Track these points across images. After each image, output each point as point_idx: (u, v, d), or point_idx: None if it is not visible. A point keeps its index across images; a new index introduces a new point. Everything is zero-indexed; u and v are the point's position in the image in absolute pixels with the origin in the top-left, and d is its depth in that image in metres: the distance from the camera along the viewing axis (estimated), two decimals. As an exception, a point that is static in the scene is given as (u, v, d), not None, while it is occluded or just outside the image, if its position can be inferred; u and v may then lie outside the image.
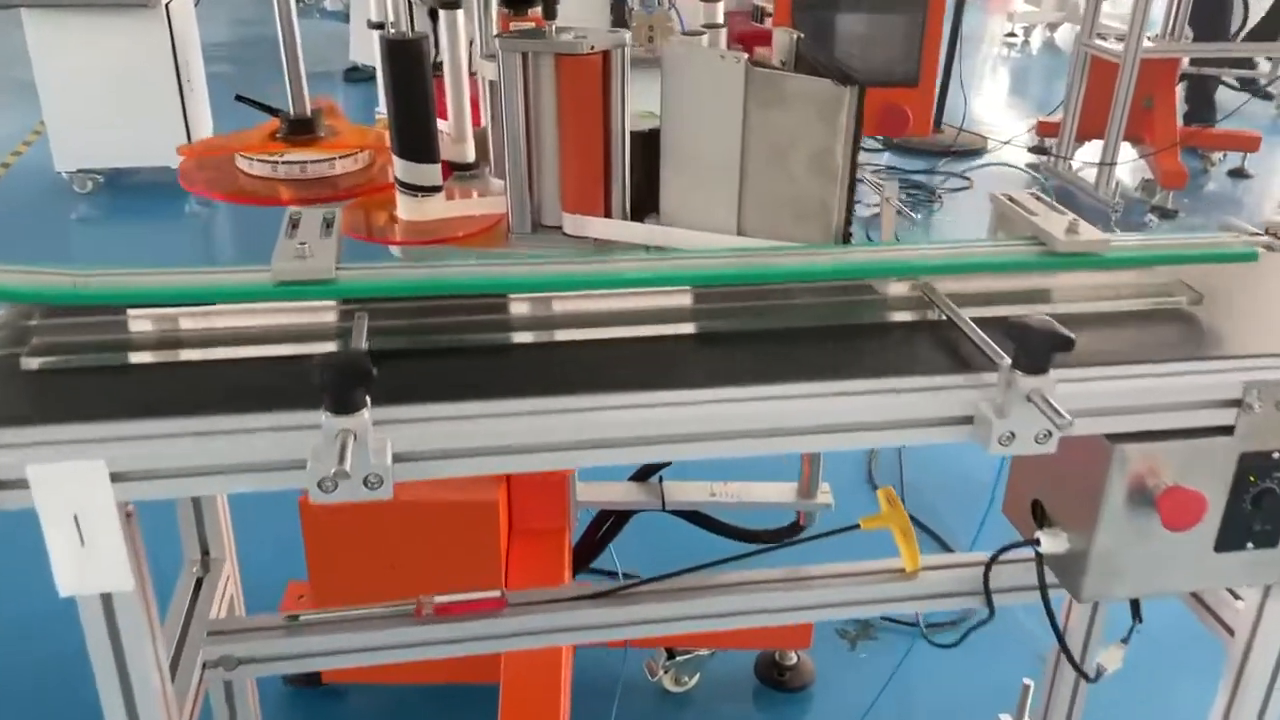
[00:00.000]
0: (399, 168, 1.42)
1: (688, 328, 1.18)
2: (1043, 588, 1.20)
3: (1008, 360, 1.03)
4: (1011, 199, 1.36)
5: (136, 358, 1.08)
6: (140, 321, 1.13)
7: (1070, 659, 1.24)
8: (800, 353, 1.13)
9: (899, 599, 1.34)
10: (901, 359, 1.12)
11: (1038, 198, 1.37)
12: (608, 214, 1.41)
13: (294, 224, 1.23)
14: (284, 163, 1.55)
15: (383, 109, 1.82)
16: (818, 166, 1.27)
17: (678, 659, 2.09)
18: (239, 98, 1.66)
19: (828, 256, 1.24)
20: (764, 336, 1.17)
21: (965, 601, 1.36)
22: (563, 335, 1.15)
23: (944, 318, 1.18)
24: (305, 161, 1.56)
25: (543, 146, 1.41)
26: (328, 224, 1.23)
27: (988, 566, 1.29)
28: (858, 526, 1.36)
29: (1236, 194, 5.21)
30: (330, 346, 1.09)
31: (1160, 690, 2.08)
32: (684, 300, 1.24)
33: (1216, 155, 5.32)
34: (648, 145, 1.44)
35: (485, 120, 1.67)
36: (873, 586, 1.33)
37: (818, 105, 1.25)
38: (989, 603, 1.34)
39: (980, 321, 1.12)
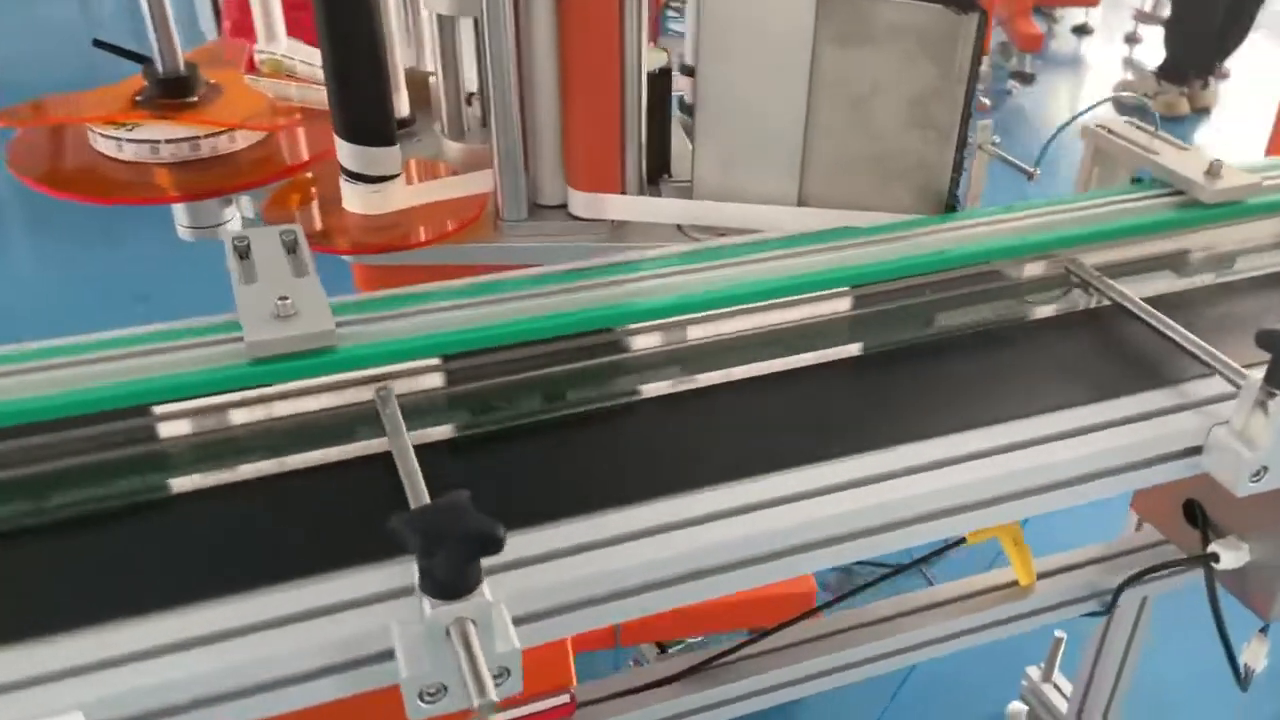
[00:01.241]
0: (345, 152, 1.06)
1: (791, 357, 0.89)
2: (1214, 604, 1.02)
3: (1255, 376, 0.80)
4: (1112, 132, 1.13)
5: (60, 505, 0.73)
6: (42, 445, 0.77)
7: (1236, 674, 1.08)
8: (957, 382, 0.87)
9: (1017, 618, 1.15)
10: (1080, 374, 0.88)
11: (1140, 127, 1.14)
12: (622, 186, 1.10)
13: (243, 253, 0.87)
14: (169, 141, 1.15)
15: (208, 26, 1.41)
16: (917, 117, 1.00)
17: (669, 652, 1.87)
18: (98, 43, 1.23)
19: (958, 233, 0.98)
20: (891, 360, 0.90)
21: (1085, 606, 1.17)
22: (653, 389, 0.85)
23: (1100, 304, 0.95)
24: (196, 137, 1.16)
25: (538, 103, 1.07)
26: (290, 247, 0.88)
27: (1129, 581, 1.11)
28: (964, 541, 1.15)
29: (1082, 51, 5.20)
30: (350, 447, 0.76)
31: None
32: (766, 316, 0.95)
33: (1059, 12, 5.29)
34: (654, 91, 1.13)
35: (432, 66, 1.31)
36: (987, 611, 1.13)
37: (924, 41, 0.96)
38: (1111, 605, 1.16)
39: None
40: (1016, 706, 1.81)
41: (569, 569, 0.67)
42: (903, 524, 0.75)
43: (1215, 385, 0.85)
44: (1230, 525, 1.03)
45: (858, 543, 0.74)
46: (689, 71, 1.31)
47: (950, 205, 1.03)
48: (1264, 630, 1.20)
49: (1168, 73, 4.27)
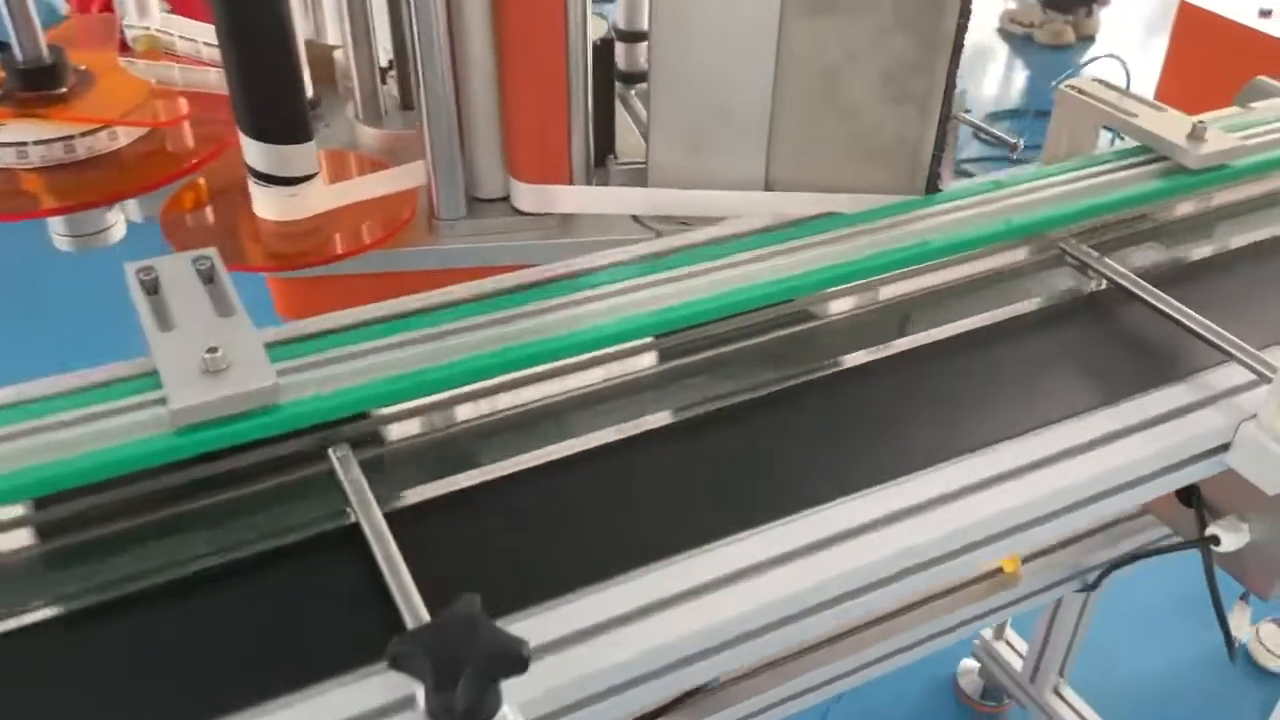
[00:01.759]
0: (252, 152, 0.92)
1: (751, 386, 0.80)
2: (1213, 588, 0.99)
3: (1287, 369, 0.75)
4: (1083, 93, 1.06)
5: None
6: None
7: (1230, 649, 1.05)
8: (953, 391, 0.80)
9: (1006, 606, 1.10)
10: (1088, 371, 0.82)
11: (1109, 86, 1.08)
12: (570, 174, 0.99)
13: (150, 288, 0.74)
14: (38, 143, 0.99)
15: None
16: (895, 91, 0.91)
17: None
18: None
19: (940, 219, 0.91)
20: (868, 372, 0.82)
21: (1069, 585, 1.14)
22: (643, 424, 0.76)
23: (1100, 287, 0.89)
24: (70, 137, 1.00)
25: (471, 81, 0.95)
26: (208, 276, 0.75)
27: (1119, 562, 1.07)
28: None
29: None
30: (309, 526, 0.65)
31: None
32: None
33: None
34: (597, 63, 1.02)
35: (335, 38, 1.17)
36: (976, 604, 1.08)
37: (902, 7, 0.87)
38: (1095, 584, 1.13)
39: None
40: (968, 664, 1.80)
41: (599, 654, 0.58)
42: (918, 568, 0.67)
43: (1234, 374, 0.80)
44: (1227, 505, 0.99)
45: (861, 599, 0.66)
46: (623, 37, 1.20)
47: (932, 185, 0.95)
48: (1244, 598, 1.19)
49: (1053, 1, 4.29)
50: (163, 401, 0.65)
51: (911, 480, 0.70)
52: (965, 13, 0.87)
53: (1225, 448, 0.78)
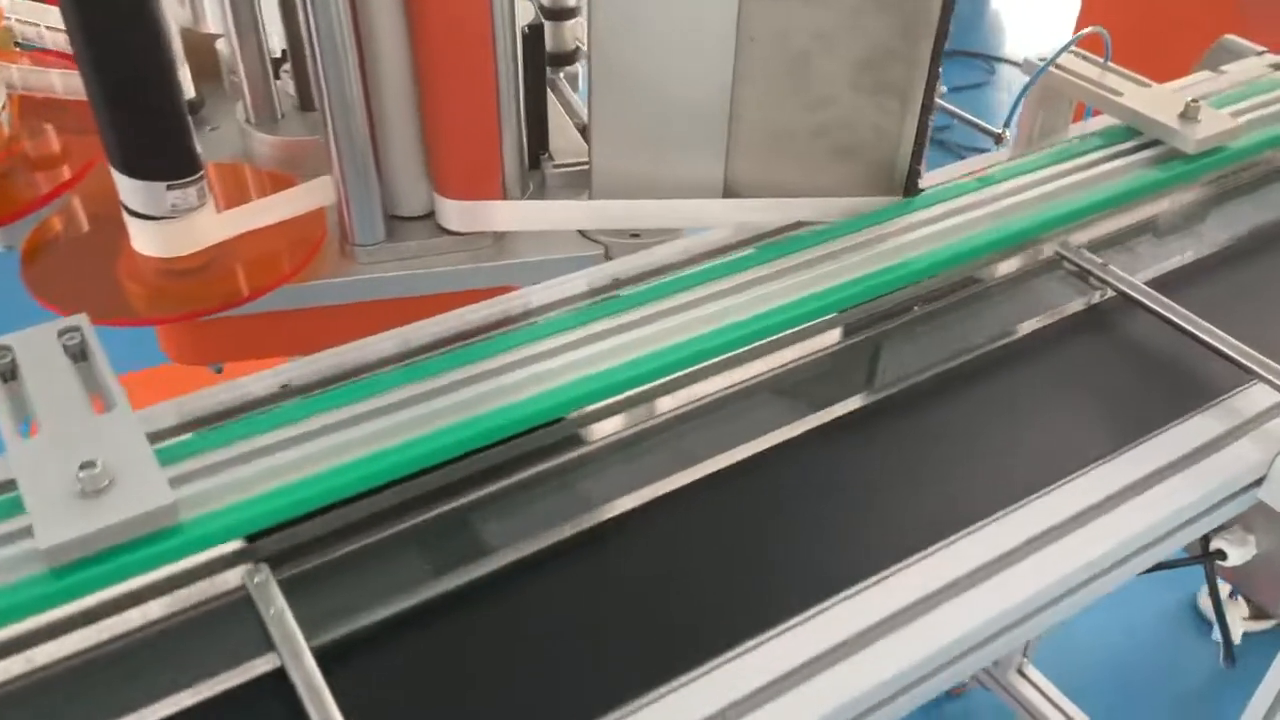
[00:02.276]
0: (126, 189, 0.77)
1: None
2: (1216, 602, 0.93)
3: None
4: (1059, 67, 0.97)
5: None
6: None
7: (1230, 656, 1.00)
8: (957, 439, 0.71)
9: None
10: (1104, 400, 0.74)
11: (1087, 59, 0.99)
12: (503, 184, 0.87)
13: (6, 374, 0.61)
14: None
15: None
16: (871, 80, 0.81)
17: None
18: None
19: (924, 230, 0.81)
20: (847, 423, 0.72)
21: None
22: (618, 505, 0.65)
23: (1104, 296, 0.81)
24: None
25: (383, 78, 0.82)
26: (78, 353, 0.62)
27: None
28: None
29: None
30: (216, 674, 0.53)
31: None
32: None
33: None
34: (528, 52, 0.89)
35: (216, 26, 1.01)
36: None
37: None
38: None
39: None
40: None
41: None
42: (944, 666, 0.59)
43: (1261, 396, 0.72)
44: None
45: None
46: (550, 15, 1.06)
47: (912, 185, 0.85)
48: (1234, 594, 1.14)
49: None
50: (28, 531, 0.52)
51: (924, 560, 0.61)
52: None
53: (1259, 482, 0.71)
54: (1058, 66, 0.97)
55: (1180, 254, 0.85)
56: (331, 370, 0.67)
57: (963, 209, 0.83)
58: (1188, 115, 0.89)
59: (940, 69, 0.79)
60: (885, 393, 0.72)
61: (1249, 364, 0.72)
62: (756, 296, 0.73)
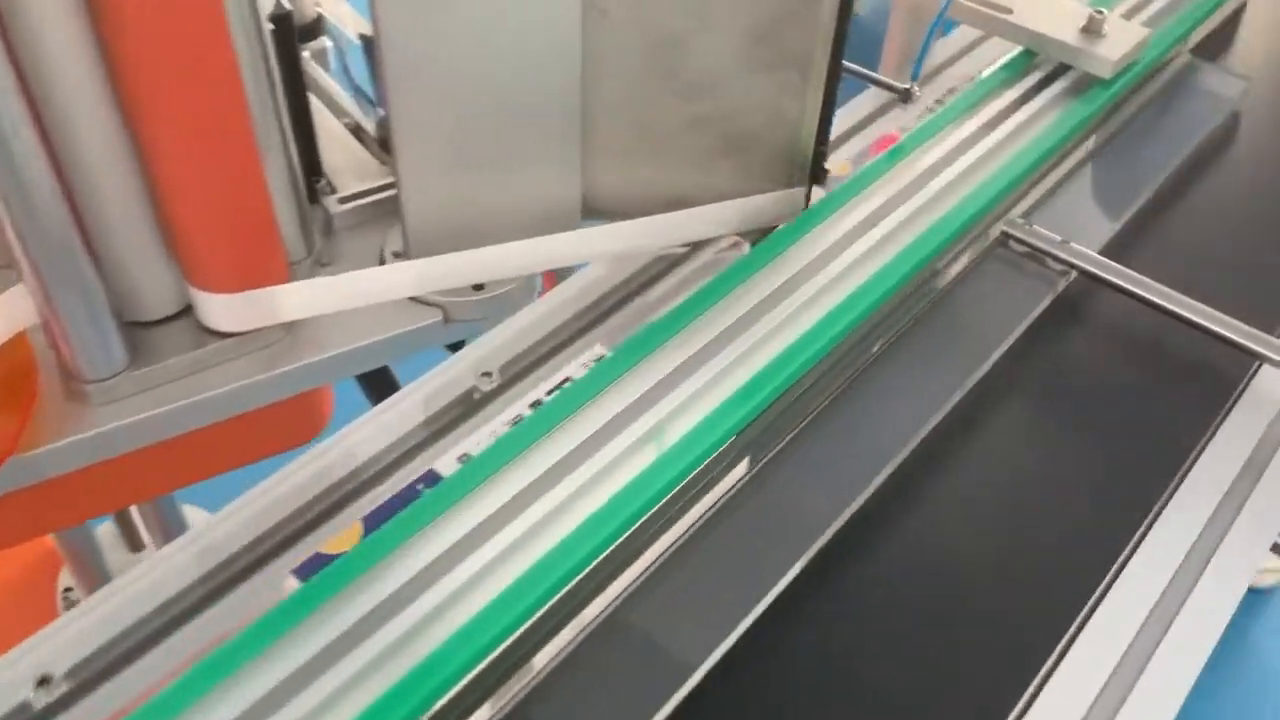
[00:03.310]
0: None
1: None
2: None
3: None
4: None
5: None
6: None
7: None
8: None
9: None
10: (1107, 433, 0.61)
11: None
12: (284, 255, 0.62)
13: None
14: None
15: None
16: (766, 54, 0.61)
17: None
18: None
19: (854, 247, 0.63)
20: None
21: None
22: None
23: (1068, 282, 0.67)
24: None
25: (72, 128, 0.54)
26: None
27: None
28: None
29: None
30: None
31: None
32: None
33: None
34: (280, 54, 0.63)
35: None
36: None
37: None
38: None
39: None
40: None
41: None
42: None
43: (1273, 382, 0.62)
44: None
45: None
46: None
47: (817, 173, 0.67)
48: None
49: None
50: None
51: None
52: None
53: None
54: (926, -21, 0.81)
55: (1114, 206, 0.73)
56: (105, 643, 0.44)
57: (885, 205, 0.66)
58: (1092, 30, 0.76)
59: (849, 24, 0.61)
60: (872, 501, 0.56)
61: (1252, 345, 0.61)
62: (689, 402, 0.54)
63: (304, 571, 0.51)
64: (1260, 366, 0.62)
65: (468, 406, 0.59)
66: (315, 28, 0.82)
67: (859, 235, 0.64)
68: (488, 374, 0.59)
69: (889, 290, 0.61)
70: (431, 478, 0.56)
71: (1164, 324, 0.63)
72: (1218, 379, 0.62)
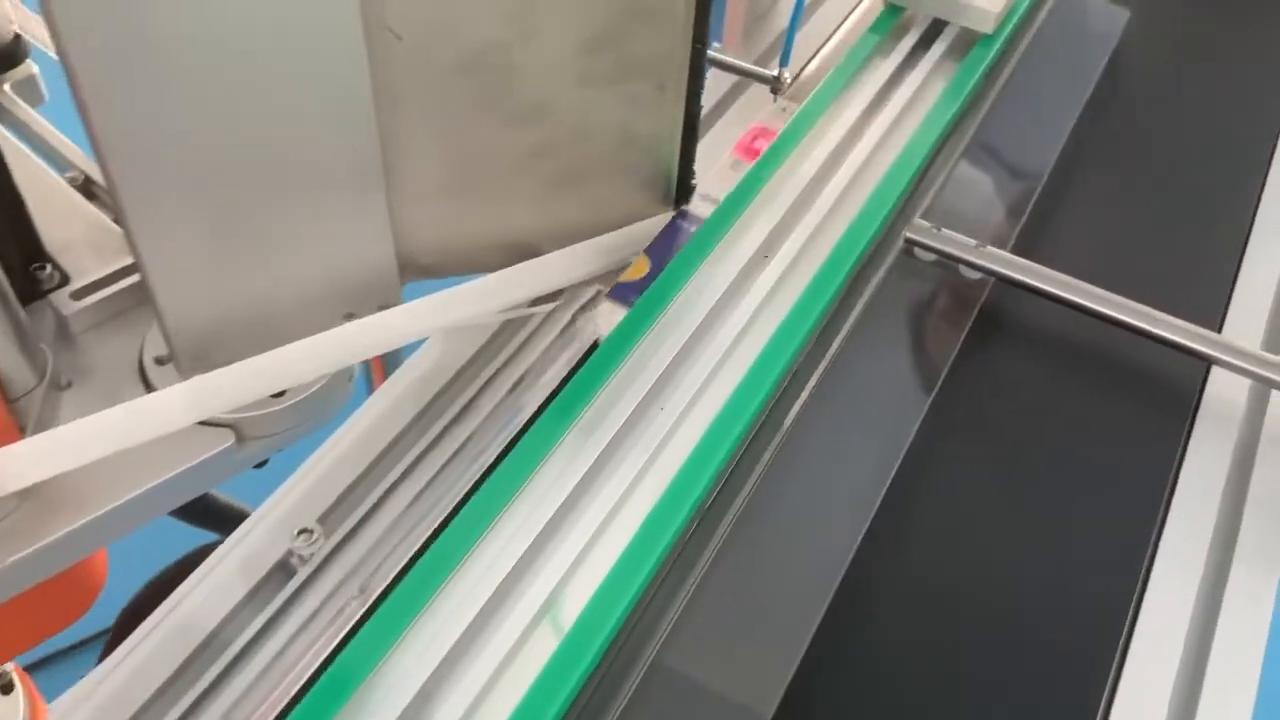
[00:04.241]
0: None
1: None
2: None
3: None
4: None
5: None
6: None
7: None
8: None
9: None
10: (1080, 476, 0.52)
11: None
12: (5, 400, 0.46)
13: None
14: None
15: None
16: (607, 65, 0.48)
17: None
18: None
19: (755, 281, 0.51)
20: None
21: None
22: None
23: (988, 290, 0.57)
24: None
25: None
26: None
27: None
28: None
29: None
30: None
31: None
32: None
33: None
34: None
35: None
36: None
37: None
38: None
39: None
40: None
41: None
42: None
43: (1229, 385, 0.54)
44: None
45: None
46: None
47: (683, 193, 0.54)
48: None
49: None
50: None
51: None
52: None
53: None
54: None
55: (1017, 191, 0.63)
56: None
57: (776, 231, 0.54)
58: (963, -24, 0.65)
59: (709, 16, 0.48)
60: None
61: (1200, 348, 0.53)
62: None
63: None
64: (1210, 369, 0.54)
65: (287, 575, 0.45)
66: (15, 51, 0.64)
67: (752, 275, 0.52)
68: (307, 531, 0.45)
69: (799, 345, 0.50)
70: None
71: (1097, 326, 0.54)
72: (1170, 389, 0.54)
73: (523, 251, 0.53)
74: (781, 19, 0.73)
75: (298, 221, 0.47)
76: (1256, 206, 0.62)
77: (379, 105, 0.46)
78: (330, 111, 0.45)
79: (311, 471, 0.48)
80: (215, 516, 0.54)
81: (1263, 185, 0.63)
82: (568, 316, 0.53)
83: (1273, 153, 0.65)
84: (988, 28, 0.64)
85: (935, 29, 0.66)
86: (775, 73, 0.59)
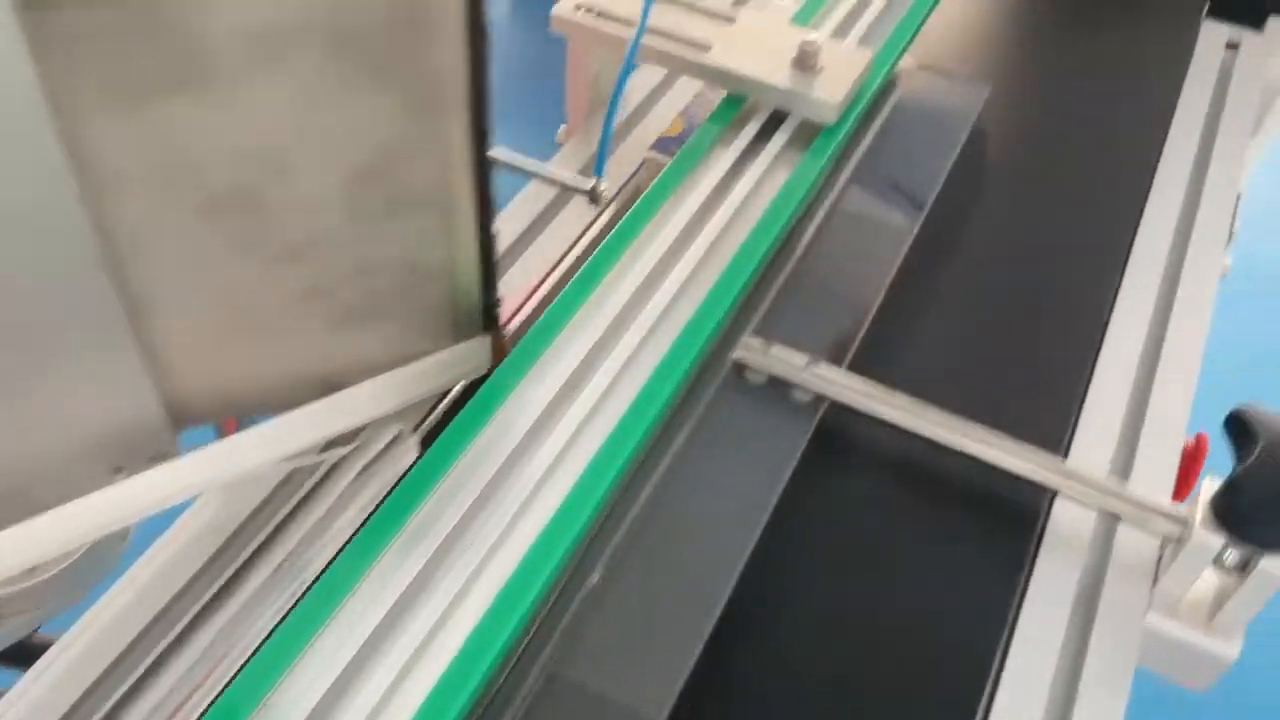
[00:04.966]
0: None
1: None
2: None
3: (1195, 519, 0.46)
4: (592, 10, 0.65)
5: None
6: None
7: None
8: None
9: None
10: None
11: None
12: None
13: None
14: None
15: None
16: (379, 196, 0.44)
17: None
18: None
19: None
20: None
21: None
22: None
23: (821, 413, 0.53)
24: None
25: None
26: None
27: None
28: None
29: None
30: None
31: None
32: None
33: None
34: None
35: None
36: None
37: (339, 42, 0.38)
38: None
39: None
40: None
41: None
42: None
43: (1073, 516, 0.51)
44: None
45: None
46: None
47: (492, 318, 0.50)
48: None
49: None
50: None
51: None
52: (478, 28, 0.40)
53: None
54: (593, 10, 0.65)
55: (857, 301, 0.59)
56: None
57: (586, 362, 0.50)
58: (806, 65, 0.62)
59: (490, 138, 0.44)
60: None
61: (1043, 479, 0.50)
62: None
63: None
64: (1055, 498, 0.51)
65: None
66: None
67: (561, 408, 0.48)
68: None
69: (609, 484, 0.46)
70: None
71: (932, 456, 0.51)
72: (1015, 517, 0.51)
73: (314, 392, 0.49)
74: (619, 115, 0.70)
75: (29, 380, 0.42)
76: (1108, 320, 0.59)
77: (117, 251, 0.41)
78: (44, 261, 0.40)
79: (58, 661, 0.43)
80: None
81: (1114, 299, 0.60)
82: (364, 461, 0.49)
83: (1125, 266, 0.62)
84: (829, 118, 0.61)
85: (777, 119, 0.62)
86: (590, 184, 0.55)
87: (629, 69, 0.59)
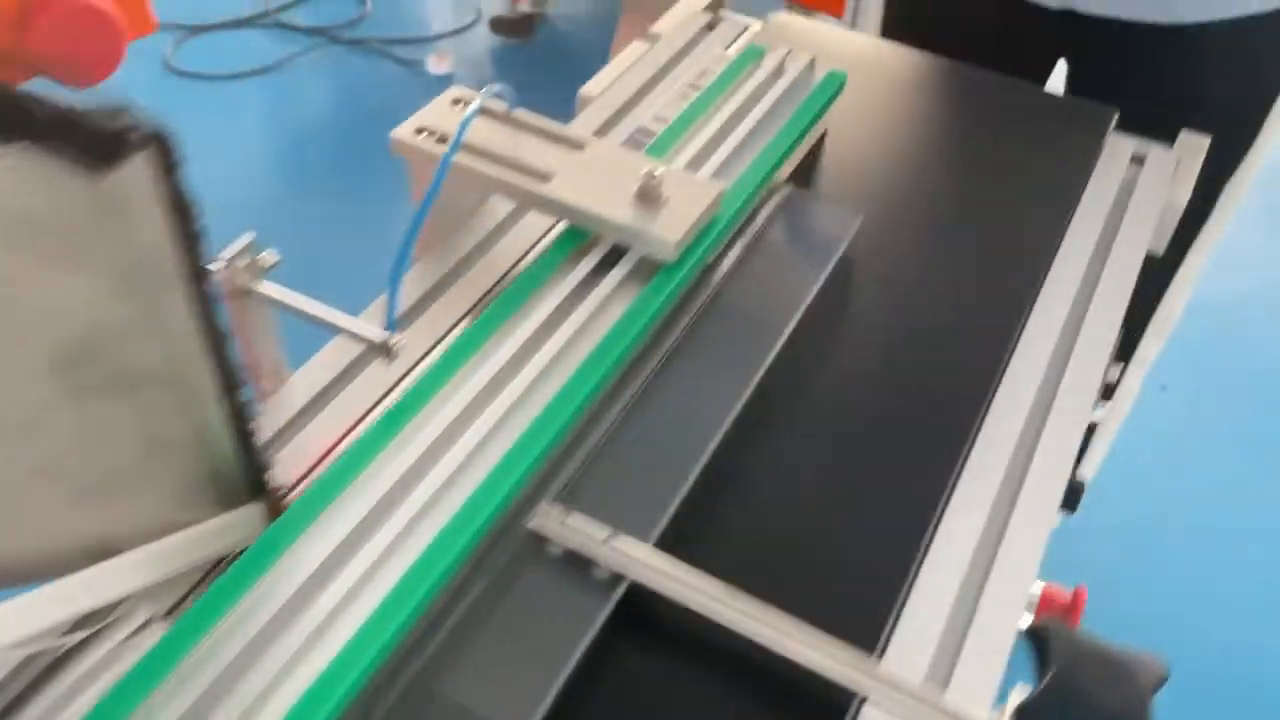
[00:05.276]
0: None
1: None
2: None
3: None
4: (421, 130, 0.61)
5: None
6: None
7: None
8: None
9: None
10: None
11: (463, 102, 0.63)
12: None
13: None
14: None
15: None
16: (100, 380, 0.40)
17: None
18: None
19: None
20: None
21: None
22: None
23: (620, 590, 0.49)
24: None
25: None
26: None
27: None
28: None
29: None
30: None
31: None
32: None
33: None
34: None
35: None
36: None
37: (40, 233, 0.35)
38: None
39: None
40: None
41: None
42: None
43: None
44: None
45: None
46: None
47: (261, 487, 0.47)
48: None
49: None
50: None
51: None
52: (180, 206, 0.37)
53: None
54: (421, 130, 0.62)
55: (674, 466, 0.54)
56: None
57: (369, 518, 0.46)
58: (649, 197, 0.58)
59: (219, 306, 0.41)
60: None
61: (850, 680, 0.46)
62: None
63: None
64: (863, 704, 0.46)
65: None
66: None
67: (331, 574, 0.44)
68: None
69: (372, 659, 0.42)
70: None
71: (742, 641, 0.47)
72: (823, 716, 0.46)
73: (74, 563, 0.45)
74: (475, 237, 0.66)
75: None
76: (947, 502, 0.54)
77: None
78: None
79: None
80: None
81: (957, 478, 0.56)
82: (109, 646, 0.45)
83: (977, 433, 0.58)
84: (668, 256, 0.57)
85: (618, 253, 0.59)
86: (382, 337, 0.51)
87: (433, 195, 0.55)
